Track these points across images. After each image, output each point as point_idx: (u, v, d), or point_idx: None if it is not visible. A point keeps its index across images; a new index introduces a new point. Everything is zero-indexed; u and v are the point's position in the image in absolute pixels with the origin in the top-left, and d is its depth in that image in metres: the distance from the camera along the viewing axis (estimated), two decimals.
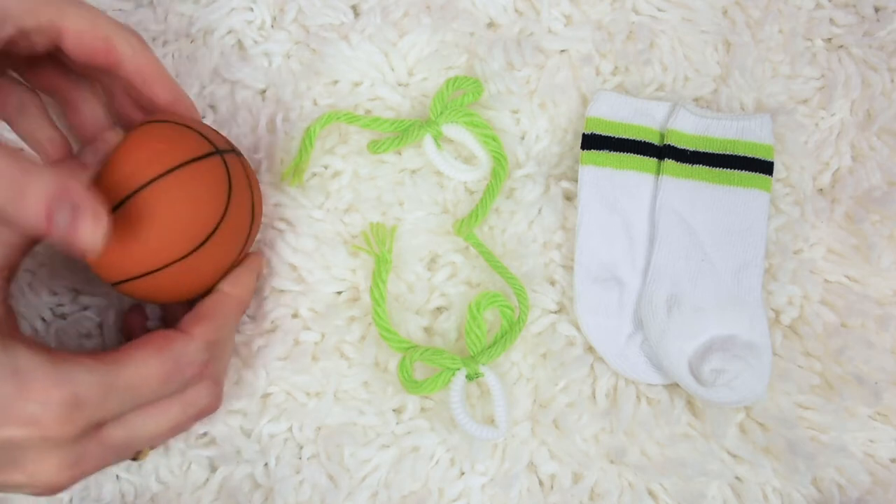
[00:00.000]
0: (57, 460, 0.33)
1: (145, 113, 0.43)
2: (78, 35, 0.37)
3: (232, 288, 0.41)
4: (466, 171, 0.49)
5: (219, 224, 0.39)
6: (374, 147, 0.49)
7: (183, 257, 0.38)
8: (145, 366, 0.35)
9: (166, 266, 0.38)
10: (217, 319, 0.40)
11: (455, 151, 0.51)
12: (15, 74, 0.42)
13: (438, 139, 0.49)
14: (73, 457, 0.34)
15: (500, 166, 0.49)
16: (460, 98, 0.49)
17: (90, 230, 0.32)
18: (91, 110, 0.43)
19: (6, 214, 0.30)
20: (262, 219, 0.49)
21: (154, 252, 0.38)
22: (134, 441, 0.37)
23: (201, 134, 0.40)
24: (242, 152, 0.45)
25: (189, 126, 0.40)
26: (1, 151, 0.30)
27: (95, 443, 0.35)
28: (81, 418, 0.33)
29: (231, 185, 0.40)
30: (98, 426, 0.35)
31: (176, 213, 0.38)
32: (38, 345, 0.34)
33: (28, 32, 0.36)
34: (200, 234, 0.38)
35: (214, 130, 0.42)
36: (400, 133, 0.49)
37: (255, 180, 0.43)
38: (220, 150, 0.40)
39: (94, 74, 0.42)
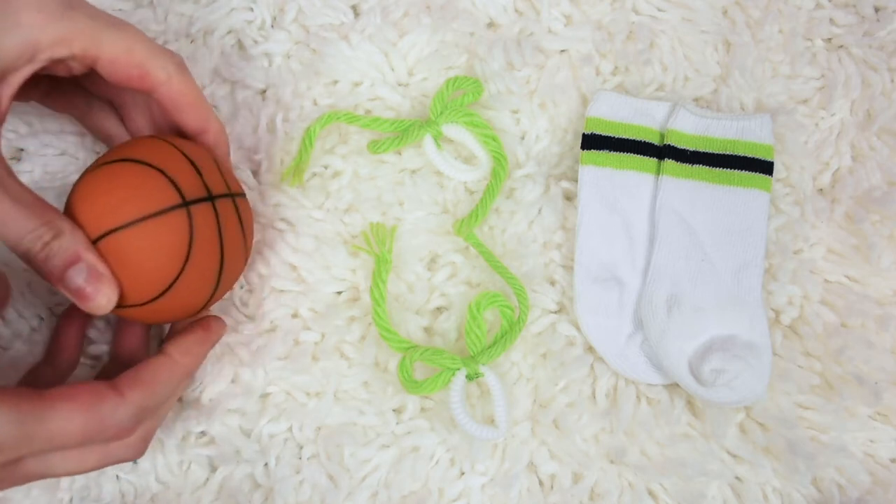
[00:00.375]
0: None
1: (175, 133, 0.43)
2: (112, 62, 0.38)
3: (181, 356, 0.39)
4: (466, 171, 0.49)
5: (176, 279, 0.38)
6: (374, 147, 0.49)
7: (143, 303, 0.38)
8: (69, 420, 0.34)
9: (129, 307, 0.38)
10: (156, 386, 0.38)
11: (455, 151, 0.51)
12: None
13: (438, 139, 0.49)
14: None
15: (500, 166, 0.49)
16: (460, 98, 0.49)
17: (106, 297, 0.36)
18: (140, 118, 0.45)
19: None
20: (262, 219, 0.49)
21: (128, 294, 0.38)
22: (49, 474, 0.37)
23: (172, 182, 0.38)
24: (243, 156, 0.45)
25: (162, 170, 0.38)
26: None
27: (11, 471, 0.35)
28: None
29: (192, 239, 0.38)
30: (16, 461, 0.35)
31: (131, 266, 0.37)
32: None
33: (63, 61, 0.37)
34: (156, 288, 0.38)
35: (216, 168, 0.41)
36: (400, 133, 0.49)
37: (233, 223, 0.40)
38: (186, 202, 0.38)
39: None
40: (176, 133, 0.44)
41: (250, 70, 0.52)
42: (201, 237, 0.38)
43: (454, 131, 0.49)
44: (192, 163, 0.39)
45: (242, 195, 0.43)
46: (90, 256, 0.36)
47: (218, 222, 0.39)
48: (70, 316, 0.44)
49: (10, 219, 0.34)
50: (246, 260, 0.43)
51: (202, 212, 0.39)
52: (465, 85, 0.49)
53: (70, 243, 0.35)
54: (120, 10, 0.53)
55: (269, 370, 0.47)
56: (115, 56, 0.37)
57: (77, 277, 0.35)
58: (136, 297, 0.38)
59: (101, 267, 0.36)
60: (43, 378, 0.42)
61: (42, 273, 0.36)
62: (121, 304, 0.38)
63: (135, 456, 0.39)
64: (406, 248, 0.49)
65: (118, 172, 0.38)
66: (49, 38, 0.36)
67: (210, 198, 0.39)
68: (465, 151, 0.51)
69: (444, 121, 0.48)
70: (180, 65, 0.40)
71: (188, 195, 0.38)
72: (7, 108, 0.37)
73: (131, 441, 0.38)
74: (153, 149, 0.39)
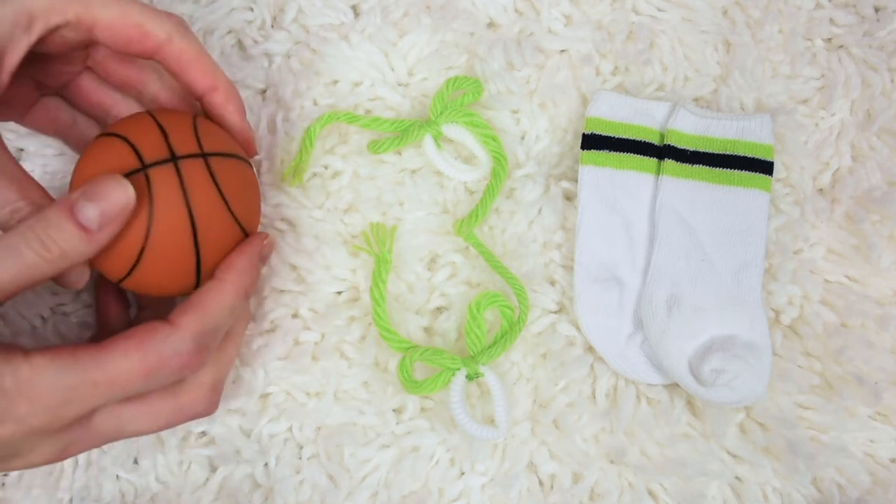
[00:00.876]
0: (49, 448, 0.35)
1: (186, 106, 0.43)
2: (110, 25, 0.37)
3: (228, 275, 0.38)
4: (466, 171, 0.49)
5: (143, 246, 0.37)
6: (374, 147, 0.49)
7: (126, 276, 0.38)
8: (127, 357, 0.34)
9: (123, 279, 0.38)
10: (206, 308, 0.37)
11: (455, 151, 0.51)
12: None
13: (438, 139, 0.49)
14: (63, 444, 0.36)
15: (500, 166, 0.49)
16: (460, 98, 0.49)
17: (76, 275, 0.37)
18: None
19: None
20: (262, 219, 0.49)
21: (106, 270, 0.38)
22: (122, 433, 0.37)
23: (133, 147, 0.37)
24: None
25: (125, 137, 0.38)
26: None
27: (84, 431, 0.36)
28: (67, 415, 0.34)
29: (152, 202, 0.37)
30: (88, 415, 0.35)
31: None
32: (19, 348, 0.34)
33: (58, 29, 0.37)
34: (128, 256, 0.37)
35: (192, 130, 0.39)
36: (400, 133, 0.49)
37: (203, 183, 0.38)
38: (145, 166, 0.37)
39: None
40: (187, 101, 0.43)
41: (250, 70, 0.52)
42: (161, 200, 0.37)
43: (454, 131, 0.49)
44: (161, 126, 0.38)
45: (226, 155, 0.40)
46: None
47: (182, 183, 0.37)
48: (104, 286, 0.45)
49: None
50: (240, 224, 0.40)
51: (161, 174, 0.37)
52: (465, 85, 0.49)
53: (45, 223, 0.34)
54: None
55: (269, 370, 0.47)
56: (111, 19, 0.37)
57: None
58: (113, 269, 0.38)
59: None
60: None
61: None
62: (116, 277, 0.38)
63: (208, 410, 0.39)
64: (406, 248, 0.49)
65: (91, 148, 0.39)
66: (42, 5, 0.35)
67: (172, 159, 0.38)
68: (465, 151, 0.51)
69: (444, 121, 0.48)
70: (180, 23, 0.39)
71: (148, 159, 0.37)
72: (7, 84, 0.37)
73: (201, 395, 0.38)
74: (127, 120, 0.39)
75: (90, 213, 0.34)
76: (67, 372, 0.33)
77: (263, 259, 0.42)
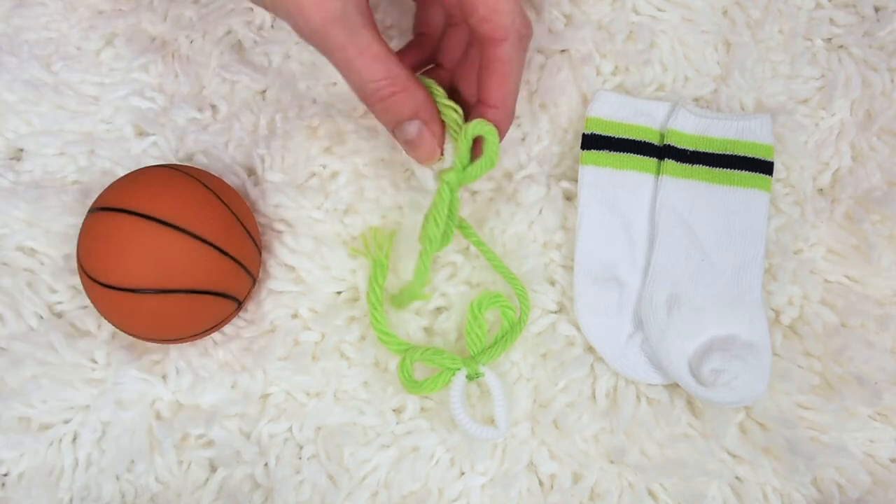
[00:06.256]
0: None
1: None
2: None
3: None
4: (481, 430, 0.44)
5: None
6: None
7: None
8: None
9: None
10: None
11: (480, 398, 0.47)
12: None
13: (474, 378, 0.45)
14: None
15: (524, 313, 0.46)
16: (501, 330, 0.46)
17: (427, 151, 0.41)
18: (435, 16, 0.46)
19: (372, 108, 0.39)
20: (262, 218, 0.49)
21: None
22: None
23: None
24: (244, 156, 0.44)
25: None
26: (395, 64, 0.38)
27: None
28: None
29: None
30: None
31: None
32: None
33: None
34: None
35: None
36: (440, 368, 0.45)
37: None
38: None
39: None
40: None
41: (250, 70, 0.52)
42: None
43: (492, 379, 0.45)
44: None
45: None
46: (422, 117, 0.39)
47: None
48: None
49: (357, 66, 0.37)
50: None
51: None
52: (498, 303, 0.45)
53: (405, 102, 0.39)
54: (120, 9, 0.53)
55: (269, 371, 0.47)
56: None
57: (409, 129, 0.40)
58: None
59: (426, 128, 0.40)
60: None
61: (377, 117, 0.40)
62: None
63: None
64: (407, 250, 0.49)
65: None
66: None
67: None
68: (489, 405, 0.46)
69: (484, 360, 0.45)
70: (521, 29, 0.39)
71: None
72: None
73: None
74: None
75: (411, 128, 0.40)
76: None
77: None
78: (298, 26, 0.37)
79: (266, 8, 0.37)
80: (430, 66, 0.46)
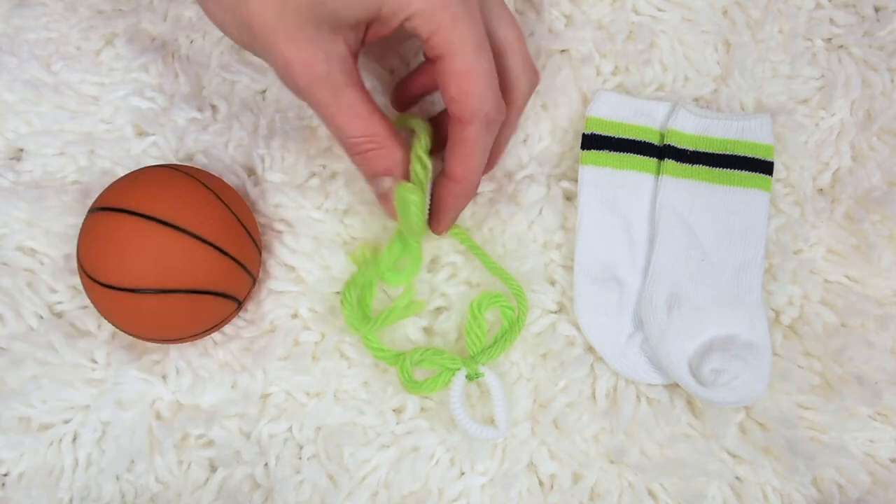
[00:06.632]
0: None
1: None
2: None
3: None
4: (480, 430, 0.44)
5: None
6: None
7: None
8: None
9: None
10: None
11: (480, 396, 0.47)
12: None
13: (474, 378, 0.44)
14: None
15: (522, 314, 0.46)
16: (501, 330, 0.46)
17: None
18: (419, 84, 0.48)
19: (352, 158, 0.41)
20: (262, 218, 0.49)
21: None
22: None
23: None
24: (244, 156, 0.44)
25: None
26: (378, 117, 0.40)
27: None
28: None
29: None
30: None
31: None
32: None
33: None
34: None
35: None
36: (440, 370, 0.44)
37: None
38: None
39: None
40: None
41: (250, 70, 0.52)
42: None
43: (492, 380, 0.44)
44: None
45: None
46: (395, 174, 0.41)
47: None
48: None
49: (339, 122, 0.39)
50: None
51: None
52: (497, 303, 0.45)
53: (381, 159, 0.40)
54: (120, 10, 0.53)
55: (269, 370, 0.47)
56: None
57: (382, 185, 0.41)
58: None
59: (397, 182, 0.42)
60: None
61: (355, 166, 0.42)
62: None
63: None
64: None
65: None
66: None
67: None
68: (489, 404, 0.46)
69: (483, 360, 0.44)
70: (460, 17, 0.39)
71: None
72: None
73: None
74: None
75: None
76: None
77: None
78: (286, 81, 0.38)
79: (256, 55, 0.39)
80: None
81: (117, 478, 0.46)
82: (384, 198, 0.43)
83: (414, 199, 0.41)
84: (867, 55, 0.53)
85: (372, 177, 0.42)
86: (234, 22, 0.37)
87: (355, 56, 0.39)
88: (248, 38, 0.38)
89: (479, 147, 0.40)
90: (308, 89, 0.38)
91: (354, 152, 0.40)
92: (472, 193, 0.43)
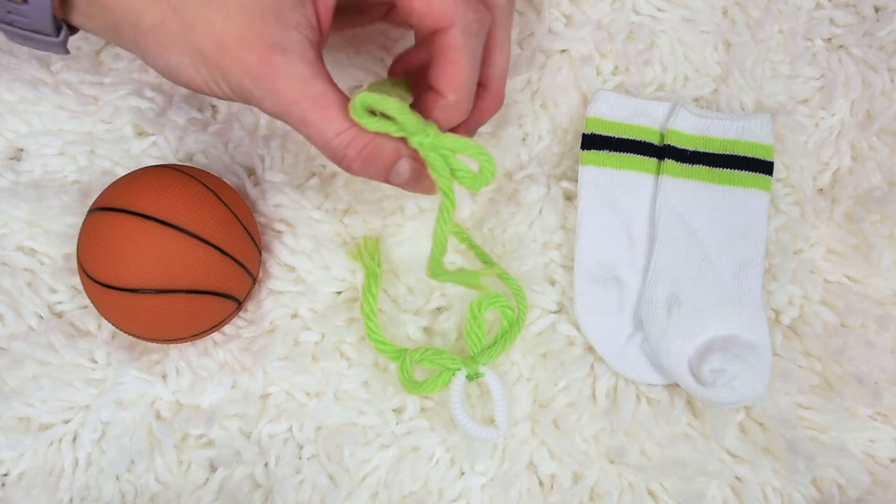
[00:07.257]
0: None
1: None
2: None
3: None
4: (481, 430, 0.44)
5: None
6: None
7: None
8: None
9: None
10: None
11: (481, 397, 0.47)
12: None
13: (474, 378, 0.44)
14: None
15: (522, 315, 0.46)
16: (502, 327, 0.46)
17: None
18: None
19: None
20: (262, 218, 0.49)
21: None
22: None
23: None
24: (244, 156, 0.44)
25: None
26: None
27: None
28: None
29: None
30: None
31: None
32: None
33: None
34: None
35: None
36: (440, 370, 0.44)
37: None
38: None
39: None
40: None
41: None
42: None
43: (493, 380, 0.44)
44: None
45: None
46: (405, 153, 0.38)
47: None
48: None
49: (315, 130, 0.36)
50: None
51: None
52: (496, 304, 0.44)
53: (383, 147, 0.37)
54: None
55: (269, 371, 0.47)
56: None
57: (401, 170, 0.38)
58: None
59: (416, 163, 0.38)
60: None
61: (363, 175, 0.38)
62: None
63: None
64: (408, 253, 0.49)
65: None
66: None
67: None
68: (489, 404, 0.46)
69: (484, 360, 0.44)
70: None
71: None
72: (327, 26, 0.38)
73: None
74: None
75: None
76: None
77: None
78: (264, 106, 0.36)
79: (231, 91, 0.37)
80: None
81: (117, 478, 0.46)
82: (414, 180, 0.39)
83: (391, 105, 0.36)
84: (867, 55, 0.53)
85: (385, 172, 0.38)
86: (189, 56, 0.36)
87: (317, 44, 0.37)
88: (206, 69, 0.36)
89: (464, 52, 0.36)
90: (271, 87, 0.35)
91: (349, 160, 0.37)
92: (463, 112, 0.39)
